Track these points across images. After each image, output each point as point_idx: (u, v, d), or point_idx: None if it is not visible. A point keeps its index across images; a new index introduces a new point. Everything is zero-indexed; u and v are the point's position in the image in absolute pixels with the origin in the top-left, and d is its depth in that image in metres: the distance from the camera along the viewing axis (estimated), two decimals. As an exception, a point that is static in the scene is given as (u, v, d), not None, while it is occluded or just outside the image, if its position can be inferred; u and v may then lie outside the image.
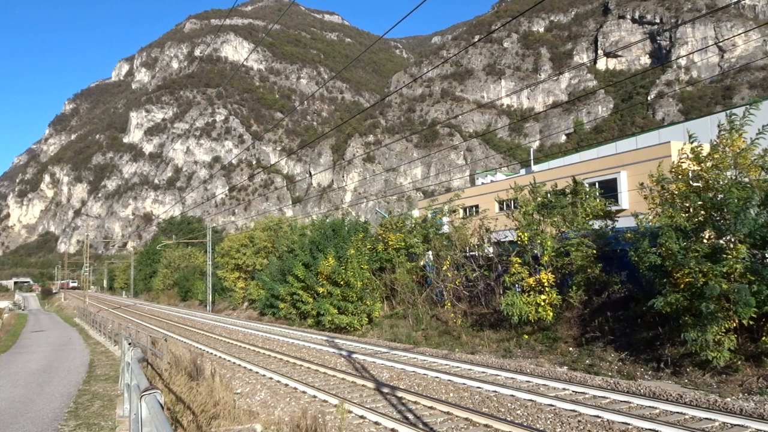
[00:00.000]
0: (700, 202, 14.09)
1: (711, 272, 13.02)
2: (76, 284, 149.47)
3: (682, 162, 15.31)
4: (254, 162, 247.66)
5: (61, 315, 56.48)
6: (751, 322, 13.02)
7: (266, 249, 46.45)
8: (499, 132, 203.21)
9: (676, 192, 15.10)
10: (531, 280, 18.86)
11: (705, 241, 14.14)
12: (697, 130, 16.13)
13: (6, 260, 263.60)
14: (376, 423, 10.92)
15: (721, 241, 13.74)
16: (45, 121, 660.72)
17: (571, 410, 11.20)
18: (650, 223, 15.39)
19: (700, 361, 13.60)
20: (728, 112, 15.34)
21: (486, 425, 10.39)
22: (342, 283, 27.62)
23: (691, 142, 15.02)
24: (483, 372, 15.85)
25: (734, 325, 13.16)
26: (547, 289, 18.45)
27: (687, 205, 14.65)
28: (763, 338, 12.68)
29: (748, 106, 14.85)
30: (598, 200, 20.20)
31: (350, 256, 27.96)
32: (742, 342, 13.54)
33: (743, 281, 13.05)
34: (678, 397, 12.01)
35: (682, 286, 13.62)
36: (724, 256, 13.13)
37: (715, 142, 14.98)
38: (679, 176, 15.22)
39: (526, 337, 19.13)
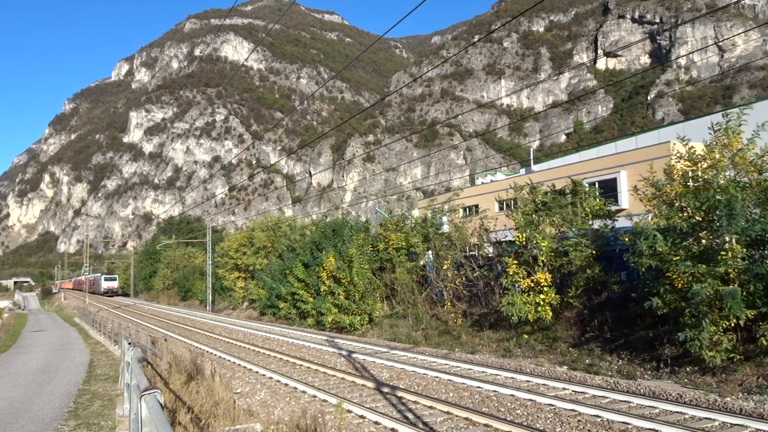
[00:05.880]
0: (696, 203, 14.09)
1: (707, 273, 13.00)
2: (115, 285, 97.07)
3: (677, 163, 15.32)
4: (254, 162, 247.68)
5: (61, 315, 56.47)
6: (749, 323, 13.01)
7: (266, 249, 46.49)
8: (499, 132, 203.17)
9: (672, 193, 15.09)
10: (528, 281, 18.86)
11: (703, 241, 14.12)
12: (696, 130, 16.19)
13: (6, 260, 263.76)
14: (376, 423, 10.93)
15: (718, 241, 13.72)
16: (45, 121, 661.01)
17: (570, 410, 11.20)
18: (647, 225, 15.36)
19: (699, 361, 13.59)
20: (724, 112, 15.37)
21: (486, 425, 10.39)
22: (346, 281, 27.61)
23: (684, 144, 15.05)
24: (483, 372, 15.85)
25: (732, 324, 13.16)
26: (545, 289, 18.45)
27: (684, 205, 14.64)
28: (762, 338, 12.67)
29: (740, 108, 14.91)
30: (597, 200, 20.18)
31: (353, 255, 27.94)
32: (741, 342, 13.54)
33: (740, 281, 13.05)
34: (678, 396, 12.01)
35: (679, 286, 13.62)
36: (719, 257, 13.11)
37: (710, 143, 15.01)
38: (674, 178, 15.22)
39: (526, 336, 19.14)
